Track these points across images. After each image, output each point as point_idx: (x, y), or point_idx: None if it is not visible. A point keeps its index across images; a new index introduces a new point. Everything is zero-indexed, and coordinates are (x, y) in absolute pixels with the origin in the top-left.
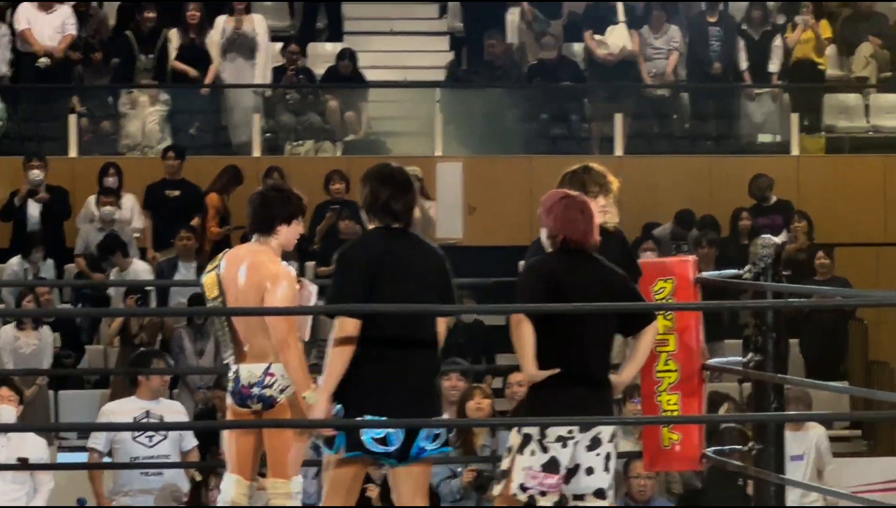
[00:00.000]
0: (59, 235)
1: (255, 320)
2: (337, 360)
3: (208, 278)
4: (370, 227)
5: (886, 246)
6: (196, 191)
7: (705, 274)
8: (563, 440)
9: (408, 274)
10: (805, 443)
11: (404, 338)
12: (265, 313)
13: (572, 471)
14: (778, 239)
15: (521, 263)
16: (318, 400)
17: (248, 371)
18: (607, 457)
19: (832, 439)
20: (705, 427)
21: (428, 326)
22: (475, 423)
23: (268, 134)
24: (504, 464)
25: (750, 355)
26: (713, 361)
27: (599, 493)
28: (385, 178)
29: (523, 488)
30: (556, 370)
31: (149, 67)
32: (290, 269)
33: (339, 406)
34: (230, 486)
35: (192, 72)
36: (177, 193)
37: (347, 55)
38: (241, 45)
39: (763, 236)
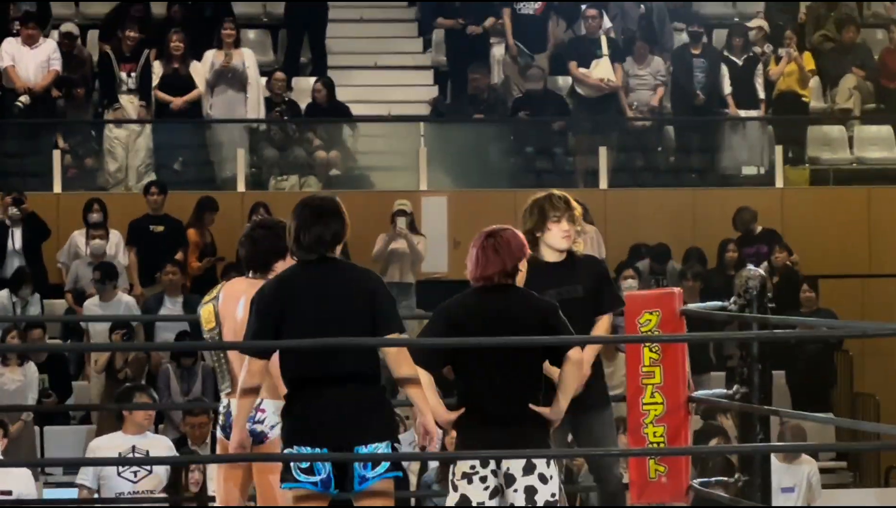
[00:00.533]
0: (41, 265)
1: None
2: (242, 397)
3: (205, 310)
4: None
5: (871, 278)
6: (180, 226)
7: (691, 306)
8: (467, 476)
9: (315, 307)
10: (797, 476)
11: (317, 370)
12: (228, 348)
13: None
14: (761, 270)
15: None
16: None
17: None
18: (528, 490)
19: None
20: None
21: (347, 354)
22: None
23: (252, 169)
24: None
25: (736, 387)
26: (699, 393)
27: None
28: (298, 211)
29: None
30: (462, 411)
31: (132, 87)
32: None
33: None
34: None
35: (176, 102)
36: (161, 228)
37: (324, 84)
38: (231, 79)
39: (748, 267)
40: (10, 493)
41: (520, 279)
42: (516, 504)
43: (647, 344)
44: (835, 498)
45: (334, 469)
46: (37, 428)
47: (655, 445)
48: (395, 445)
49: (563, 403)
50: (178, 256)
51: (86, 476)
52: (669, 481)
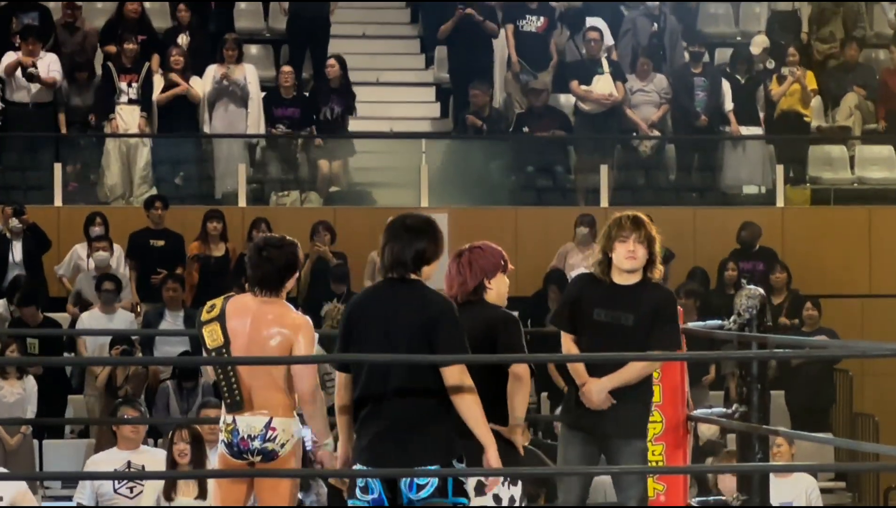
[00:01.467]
0: (42, 278)
1: (263, 371)
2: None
3: (210, 328)
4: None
5: (871, 297)
6: (180, 240)
7: (690, 325)
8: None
9: (378, 328)
10: (795, 490)
11: (372, 390)
12: (264, 363)
13: None
14: (761, 289)
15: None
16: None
17: (247, 424)
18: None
19: None
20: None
21: (401, 375)
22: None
23: (253, 184)
24: None
25: (735, 405)
26: (698, 411)
27: None
28: (388, 228)
29: None
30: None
31: (133, 98)
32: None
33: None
34: None
35: (182, 84)
36: (161, 242)
37: (337, 60)
38: (233, 94)
39: (748, 286)
40: (0, 498)
41: (494, 296)
42: None
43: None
44: None
45: (386, 491)
46: (35, 442)
47: (654, 463)
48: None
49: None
50: (180, 270)
51: (83, 493)
52: (668, 499)
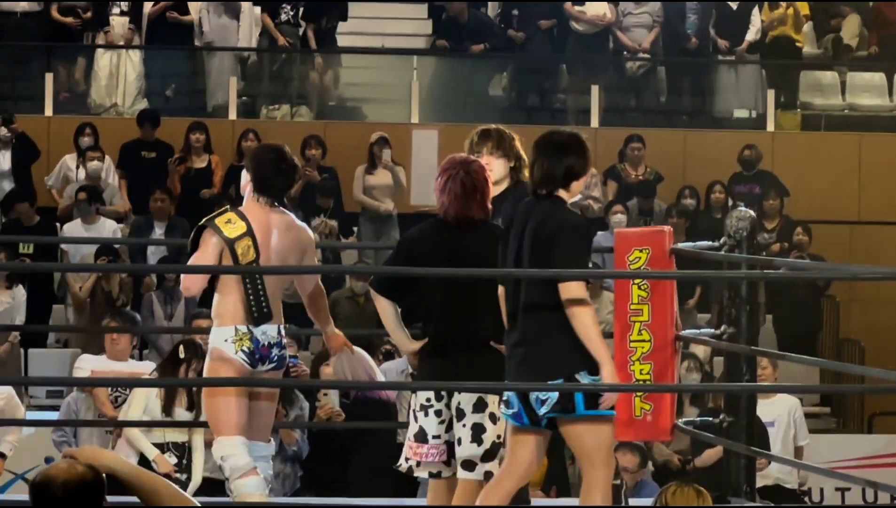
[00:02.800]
0: (31, 187)
1: (279, 281)
2: None
3: (243, 243)
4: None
5: (860, 224)
6: (170, 152)
7: (680, 245)
8: (424, 408)
9: (515, 242)
10: (777, 410)
11: (508, 304)
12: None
13: (442, 440)
14: (751, 211)
15: None
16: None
17: (265, 332)
18: (475, 427)
19: None
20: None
21: (528, 290)
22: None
23: (244, 98)
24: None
25: (723, 327)
26: (686, 332)
27: (467, 465)
28: (535, 147)
29: (406, 458)
30: (426, 340)
31: (124, 10)
32: None
33: None
34: (241, 450)
35: (171, 15)
36: (153, 154)
37: None
38: (224, 7)
39: (739, 208)
40: None
41: None
42: (462, 439)
43: (636, 281)
44: (818, 443)
45: (524, 405)
46: (22, 351)
47: (641, 382)
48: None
49: None
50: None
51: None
52: (654, 419)
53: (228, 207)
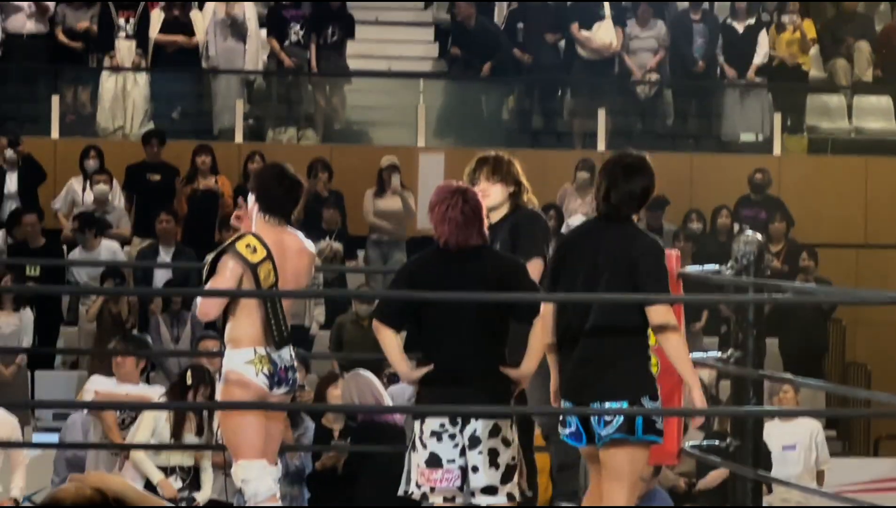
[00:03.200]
0: (38, 210)
1: (292, 305)
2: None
3: (266, 267)
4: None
5: (866, 248)
6: (176, 174)
7: (688, 269)
8: (436, 434)
9: (585, 264)
10: (797, 433)
11: (571, 325)
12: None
13: (457, 465)
14: (759, 236)
15: None
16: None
17: (279, 356)
18: (491, 453)
19: None
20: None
21: (600, 311)
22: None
23: (250, 120)
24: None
25: (731, 350)
26: (693, 355)
27: (488, 490)
28: (605, 169)
29: (417, 485)
30: (430, 367)
31: (130, 33)
32: None
33: None
34: (263, 474)
35: (179, 39)
36: (157, 176)
37: None
38: (232, 30)
39: (747, 232)
40: None
41: None
42: (479, 467)
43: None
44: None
45: (583, 424)
46: (28, 373)
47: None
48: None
49: (533, 363)
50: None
51: (77, 417)
52: (662, 443)
53: (245, 231)
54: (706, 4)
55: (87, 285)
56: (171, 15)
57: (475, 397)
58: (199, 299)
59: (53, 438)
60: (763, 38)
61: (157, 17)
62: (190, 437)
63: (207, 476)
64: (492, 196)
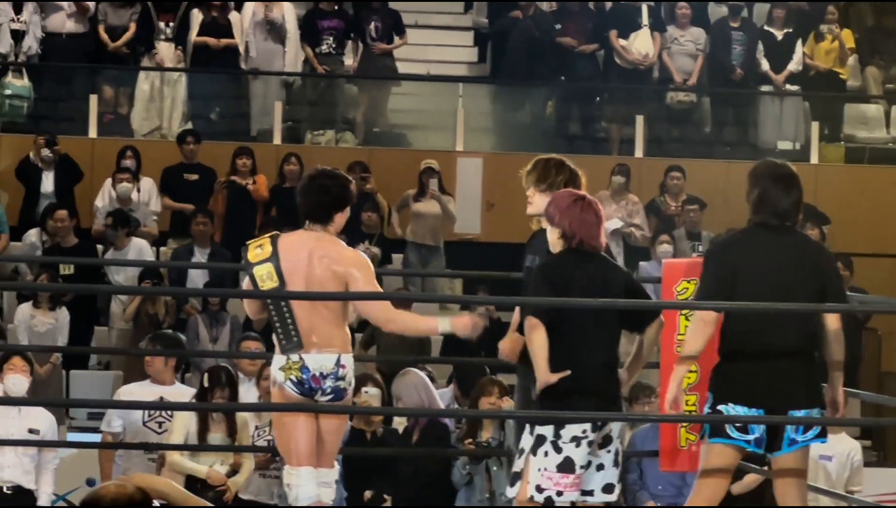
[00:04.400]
0: (74, 209)
1: (322, 308)
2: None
3: (263, 269)
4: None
5: None
6: (213, 175)
7: None
8: (577, 440)
9: (768, 272)
10: (837, 448)
11: (760, 333)
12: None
13: (585, 468)
14: None
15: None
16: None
17: (317, 362)
18: (616, 453)
19: None
20: None
21: (791, 322)
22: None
23: (289, 122)
24: (517, 466)
25: None
26: None
27: (608, 488)
28: (763, 177)
29: (539, 489)
30: (567, 373)
31: (169, 36)
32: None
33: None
34: (308, 481)
35: (214, 42)
36: (195, 177)
37: None
38: (271, 32)
39: None
40: (38, 432)
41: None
42: (606, 465)
43: (684, 312)
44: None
45: (769, 430)
46: (63, 373)
47: (689, 413)
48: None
49: (639, 368)
50: (211, 205)
51: (113, 423)
52: (699, 450)
53: (278, 233)
54: (745, 11)
55: (122, 285)
56: (209, 17)
57: (614, 402)
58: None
59: (88, 437)
60: (799, 46)
61: (195, 18)
62: (220, 438)
63: (245, 472)
64: (535, 204)
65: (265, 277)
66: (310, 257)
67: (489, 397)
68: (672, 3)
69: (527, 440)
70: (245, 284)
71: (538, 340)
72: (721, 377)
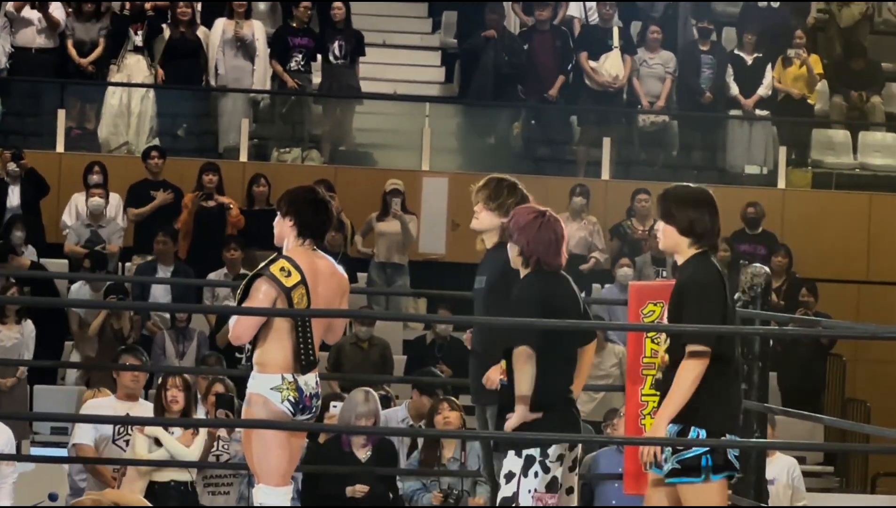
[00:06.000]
0: (40, 223)
1: (321, 331)
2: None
3: (299, 291)
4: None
5: (868, 284)
6: (178, 193)
7: None
8: (561, 458)
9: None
10: (776, 469)
11: (738, 359)
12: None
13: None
14: (765, 268)
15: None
16: None
17: (307, 382)
18: (578, 476)
19: (804, 474)
20: None
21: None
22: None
23: (255, 140)
24: (507, 491)
25: None
26: None
27: None
28: (703, 203)
29: None
30: (540, 415)
31: (138, 45)
32: None
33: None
34: (285, 500)
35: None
36: (160, 193)
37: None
38: (241, 49)
39: (754, 265)
40: None
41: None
42: (574, 488)
43: (649, 335)
44: (821, 502)
45: None
46: (28, 387)
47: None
48: None
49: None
50: (176, 223)
51: (86, 435)
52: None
53: (278, 254)
54: (714, 35)
55: (90, 300)
56: (177, 33)
57: (578, 424)
58: (231, 323)
59: (51, 452)
60: (768, 71)
61: (164, 34)
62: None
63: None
64: (481, 219)
65: (299, 300)
66: (321, 276)
67: (441, 413)
68: (644, 24)
69: (514, 463)
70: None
71: (530, 371)
72: (715, 407)
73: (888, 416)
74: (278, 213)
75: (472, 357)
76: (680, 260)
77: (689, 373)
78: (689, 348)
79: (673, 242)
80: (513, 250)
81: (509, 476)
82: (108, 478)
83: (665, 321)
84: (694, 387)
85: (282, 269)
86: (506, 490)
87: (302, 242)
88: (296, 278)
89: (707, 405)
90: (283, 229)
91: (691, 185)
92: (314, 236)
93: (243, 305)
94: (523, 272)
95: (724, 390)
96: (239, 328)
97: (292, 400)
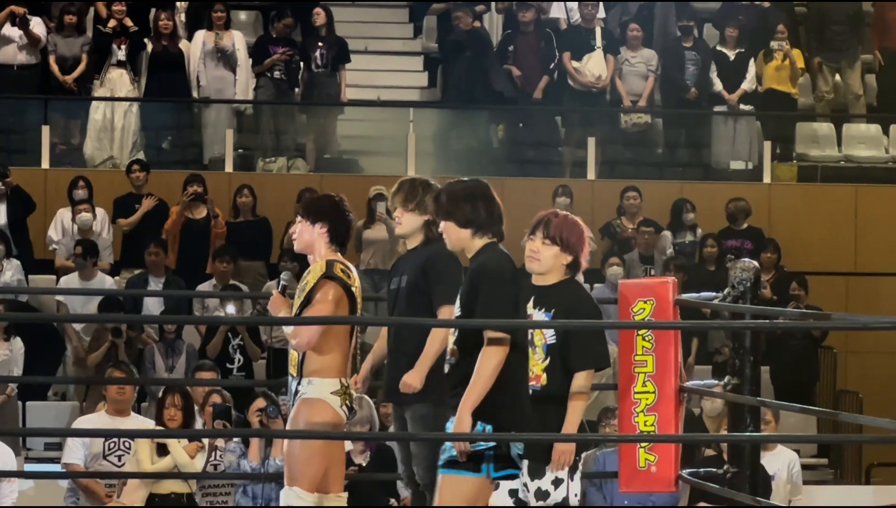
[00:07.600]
0: (27, 240)
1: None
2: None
3: (359, 291)
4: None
5: (856, 275)
6: (164, 205)
7: (684, 296)
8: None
9: None
10: (777, 463)
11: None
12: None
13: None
14: (753, 262)
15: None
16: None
17: (350, 387)
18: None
19: None
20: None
21: None
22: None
23: (240, 150)
24: (557, 497)
25: (727, 377)
26: (691, 383)
27: None
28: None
29: None
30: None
31: (121, 59)
32: None
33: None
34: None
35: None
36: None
37: (324, 9)
38: (222, 59)
39: (743, 259)
40: None
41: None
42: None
43: (640, 333)
44: (815, 494)
45: None
46: (20, 403)
47: (646, 434)
48: None
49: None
50: (165, 226)
51: (76, 454)
52: (659, 470)
53: (324, 261)
54: (696, 31)
55: (82, 314)
56: (159, 46)
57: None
58: (290, 329)
59: (44, 468)
60: (752, 66)
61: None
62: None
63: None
64: (404, 224)
65: (359, 298)
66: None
67: None
68: (623, 23)
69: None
70: (323, 310)
71: (499, 360)
72: (502, 401)
73: (880, 407)
74: (303, 221)
75: (390, 356)
76: (469, 253)
77: (490, 361)
78: (489, 334)
79: (457, 237)
80: (561, 259)
81: (557, 482)
82: (102, 496)
83: (654, 319)
84: (496, 374)
85: (342, 270)
86: (556, 496)
87: (335, 248)
88: (355, 276)
89: (496, 400)
90: (313, 236)
91: (465, 179)
92: (343, 243)
93: (309, 312)
94: (559, 278)
95: (510, 381)
96: (308, 334)
97: (349, 405)
